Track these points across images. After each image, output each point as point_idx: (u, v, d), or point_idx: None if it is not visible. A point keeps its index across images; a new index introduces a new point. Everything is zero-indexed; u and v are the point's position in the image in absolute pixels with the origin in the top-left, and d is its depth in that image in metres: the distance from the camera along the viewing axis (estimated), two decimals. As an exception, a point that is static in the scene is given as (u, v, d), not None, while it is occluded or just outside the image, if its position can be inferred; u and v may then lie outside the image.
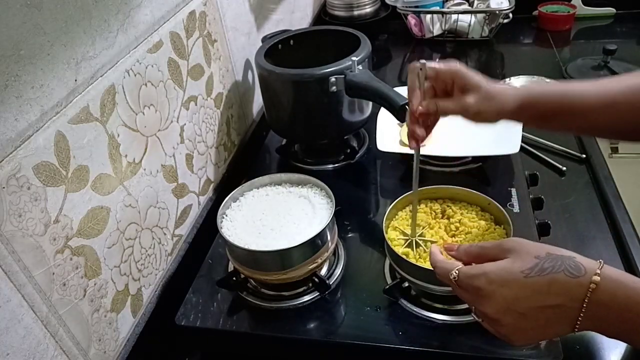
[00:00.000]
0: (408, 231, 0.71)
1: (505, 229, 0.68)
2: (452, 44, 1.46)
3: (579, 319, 0.42)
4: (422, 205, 0.75)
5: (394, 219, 0.74)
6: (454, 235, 0.70)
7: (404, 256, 0.66)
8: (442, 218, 0.73)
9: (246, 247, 0.68)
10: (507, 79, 1.22)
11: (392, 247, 0.68)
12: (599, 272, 0.41)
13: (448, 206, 0.74)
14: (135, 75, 0.67)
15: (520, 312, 0.44)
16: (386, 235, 0.70)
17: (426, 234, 0.70)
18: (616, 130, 0.57)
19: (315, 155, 1.03)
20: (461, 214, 0.72)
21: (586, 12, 1.51)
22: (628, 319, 0.41)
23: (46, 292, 0.53)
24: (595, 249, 0.77)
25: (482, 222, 0.70)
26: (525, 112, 0.57)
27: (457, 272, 0.49)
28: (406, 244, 0.70)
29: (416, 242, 0.69)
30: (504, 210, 0.68)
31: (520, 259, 0.45)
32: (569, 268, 0.42)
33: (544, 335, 0.47)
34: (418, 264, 0.65)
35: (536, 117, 0.58)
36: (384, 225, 0.71)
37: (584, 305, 0.41)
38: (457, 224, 0.71)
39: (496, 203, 0.70)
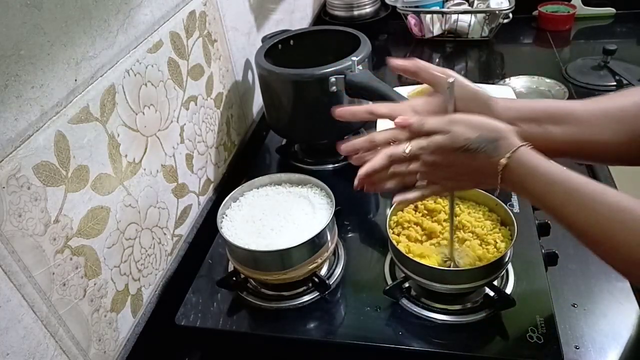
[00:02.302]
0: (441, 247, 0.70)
1: (510, 229, 0.69)
2: (452, 44, 1.46)
3: (499, 182, 0.52)
4: (431, 201, 0.75)
5: (397, 215, 0.74)
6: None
7: (405, 252, 0.66)
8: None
9: (246, 247, 0.68)
10: (507, 79, 1.23)
11: (395, 244, 0.68)
12: (508, 155, 0.50)
13: (456, 204, 0.75)
14: (135, 75, 0.67)
15: (454, 174, 0.55)
16: (389, 232, 0.70)
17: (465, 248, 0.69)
18: (620, 150, 0.56)
19: (315, 155, 1.03)
20: (468, 213, 0.73)
21: (586, 12, 1.51)
22: (535, 199, 0.51)
23: (46, 292, 0.53)
24: (595, 249, 0.77)
25: (488, 223, 0.70)
26: (510, 110, 0.57)
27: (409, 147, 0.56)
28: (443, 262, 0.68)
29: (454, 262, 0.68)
30: (510, 212, 0.69)
31: (454, 137, 0.53)
32: (488, 150, 0.51)
33: (475, 183, 0.58)
34: (421, 261, 0.65)
35: (524, 119, 0.57)
36: (388, 220, 0.71)
37: (499, 177, 0.51)
38: (464, 222, 0.71)
39: (503, 204, 0.70)
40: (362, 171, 0.58)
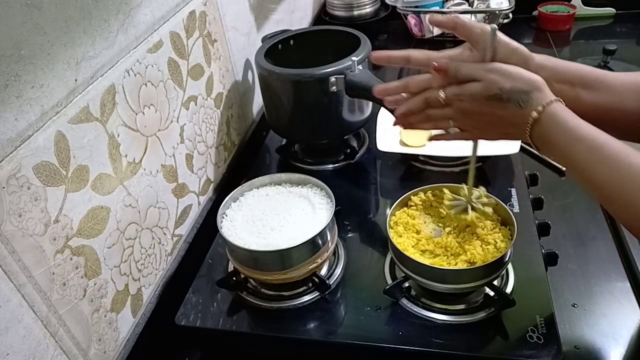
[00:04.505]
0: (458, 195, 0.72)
1: (510, 229, 0.69)
2: (452, 44, 1.46)
3: (528, 134, 0.53)
4: (435, 197, 0.75)
5: (396, 215, 0.74)
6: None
7: (406, 252, 0.66)
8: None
9: (246, 247, 0.68)
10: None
11: (395, 244, 0.68)
12: (540, 109, 0.51)
13: None
14: (135, 75, 0.67)
15: (483, 123, 0.57)
16: (389, 232, 0.69)
17: (482, 196, 0.70)
18: None
19: (315, 155, 1.03)
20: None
21: (586, 12, 1.51)
22: (559, 152, 0.52)
23: (46, 292, 0.53)
24: (595, 249, 0.78)
25: (488, 222, 0.70)
26: (545, 69, 0.58)
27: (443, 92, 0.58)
28: (460, 208, 0.70)
29: (472, 206, 0.70)
30: (511, 213, 0.69)
31: (487, 85, 0.54)
32: (520, 101, 0.52)
33: (502, 134, 0.58)
34: (420, 261, 0.65)
35: (557, 79, 0.58)
36: (388, 220, 0.71)
37: (527, 129, 0.53)
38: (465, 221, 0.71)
39: (504, 205, 0.70)
40: (399, 111, 0.61)
